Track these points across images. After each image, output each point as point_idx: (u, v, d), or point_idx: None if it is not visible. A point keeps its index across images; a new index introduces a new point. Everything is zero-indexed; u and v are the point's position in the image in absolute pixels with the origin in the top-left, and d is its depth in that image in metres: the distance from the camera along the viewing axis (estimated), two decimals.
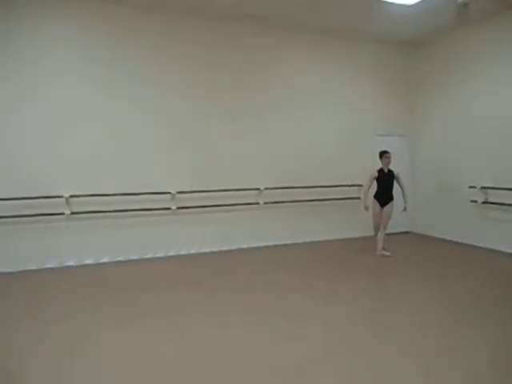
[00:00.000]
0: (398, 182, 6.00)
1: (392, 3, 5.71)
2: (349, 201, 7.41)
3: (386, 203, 5.91)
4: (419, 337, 3.23)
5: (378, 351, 3.00)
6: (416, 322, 3.55)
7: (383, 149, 6.12)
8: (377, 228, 6.13)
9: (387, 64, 7.78)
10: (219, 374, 2.71)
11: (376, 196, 6.00)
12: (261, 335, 3.32)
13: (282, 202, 6.91)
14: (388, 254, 5.97)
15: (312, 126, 7.21)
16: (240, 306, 4.00)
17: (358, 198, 7.33)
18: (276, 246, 6.89)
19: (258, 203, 6.74)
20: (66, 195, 5.56)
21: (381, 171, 5.94)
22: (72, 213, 5.61)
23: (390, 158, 5.90)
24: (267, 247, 6.77)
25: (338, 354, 2.99)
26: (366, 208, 5.96)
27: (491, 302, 4.03)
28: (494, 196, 6.40)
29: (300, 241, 7.13)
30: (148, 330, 3.44)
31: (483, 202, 6.52)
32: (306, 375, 2.69)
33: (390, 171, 5.97)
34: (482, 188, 6.52)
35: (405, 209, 6.02)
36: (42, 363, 2.89)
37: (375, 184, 6.00)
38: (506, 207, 6.16)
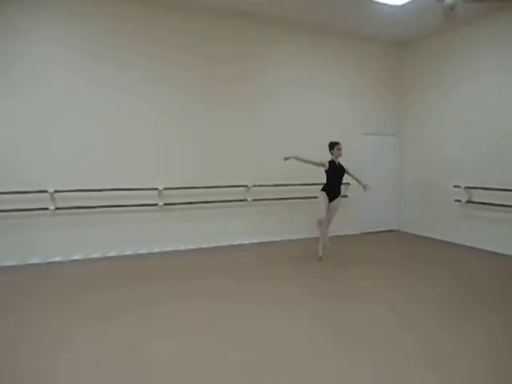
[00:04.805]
0: (348, 173, 5.74)
1: (381, 3, 5.74)
2: None
3: (334, 198, 5.63)
4: (417, 329, 3.29)
5: (376, 349, 3.05)
6: (413, 318, 3.61)
7: (334, 140, 5.72)
8: (321, 223, 5.64)
9: (376, 63, 7.82)
10: (213, 371, 2.72)
11: (325, 189, 5.64)
12: (255, 328, 3.35)
13: (271, 199, 6.92)
14: (320, 255, 5.69)
15: (299, 124, 7.20)
16: (227, 301, 4.00)
17: (346, 196, 7.39)
18: (265, 242, 6.91)
19: (245, 200, 6.74)
20: (51, 190, 5.49)
21: (332, 162, 5.60)
22: (57, 208, 5.55)
23: (340, 149, 5.58)
24: (255, 244, 6.78)
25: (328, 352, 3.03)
26: (286, 158, 5.50)
27: (477, 300, 4.10)
28: (477, 196, 6.51)
29: (287, 238, 7.16)
30: (136, 326, 3.42)
31: (467, 202, 6.63)
32: (303, 372, 2.71)
33: (340, 164, 5.66)
34: (466, 188, 6.63)
35: (366, 187, 5.81)
36: (27, 362, 2.86)
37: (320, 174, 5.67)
38: (488, 206, 6.28)
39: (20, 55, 5.35)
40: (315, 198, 6.98)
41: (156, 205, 6.12)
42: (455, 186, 6.81)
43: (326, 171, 5.60)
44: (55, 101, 5.55)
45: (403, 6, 5.81)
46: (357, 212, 7.73)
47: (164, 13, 6.07)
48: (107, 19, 5.78)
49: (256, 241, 6.91)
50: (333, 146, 5.61)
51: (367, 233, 7.82)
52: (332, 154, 5.61)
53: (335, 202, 5.64)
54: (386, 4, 5.76)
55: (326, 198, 5.59)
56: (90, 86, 5.74)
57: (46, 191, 5.46)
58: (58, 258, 5.62)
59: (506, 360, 2.86)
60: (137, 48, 5.98)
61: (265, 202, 6.91)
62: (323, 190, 5.66)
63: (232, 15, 6.35)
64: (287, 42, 7.04)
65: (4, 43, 5.27)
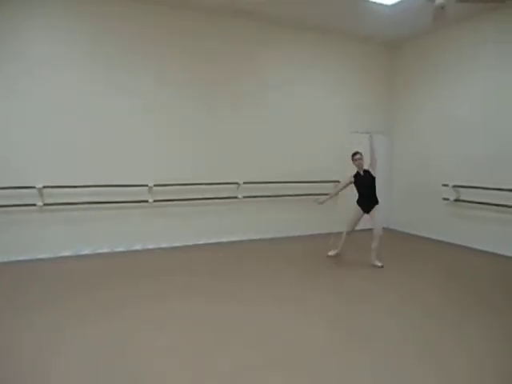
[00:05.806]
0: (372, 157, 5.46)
1: (371, 2, 5.74)
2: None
3: (371, 208, 5.37)
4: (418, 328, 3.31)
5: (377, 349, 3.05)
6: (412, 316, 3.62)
7: (355, 150, 5.59)
8: (349, 232, 5.66)
9: (368, 62, 7.86)
10: (209, 370, 2.68)
11: (358, 202, 5.49)
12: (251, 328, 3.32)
13: (261, 196, 6.90)
14: (380, 264, 5.37)
15: (297, 123, 7.23)
16: (225, 300, 3.98)
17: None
18: (263, 239, 6.94)
19: (236, 197, 6.70)
20: (39, 186, 5.34)
21: (357, 175, 5.43)
22: (45, 204, 5.40)
23: (359, 159, 5.33)
24: (245, 241, 6.78)
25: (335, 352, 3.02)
26: (319, 201, 5.49)
27: (474, 299, 4.15)
28: (465, 194, 6.61)
29: (286, 235, 7.20)
30: (135, 325, 3.38)
31: (455, 200, 6.73)
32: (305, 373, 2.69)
33: (366, 172, 5.40)
34: (455, 186, 6.72)
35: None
36: (23, 362, 2.79)
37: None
38: (475, 205, 6.40)
39: (19, 55, 5.22)
40: (316, 195, 7.03)
41: (146, 201, 6.05)
42: (444, 185, 6.90)
43: (354, 184, 5.44)
44: (54, 100, 5.45)
45: (394, 5, 5.84)
46: (347, 210, 7.75)
47: (165, 11, 5.99)
48: (108, 18, 5.69)
49: (255, 237, 6.96)
50: (351, 157, 5.44)
51: (357, 230, 7.85)
52: (355, 166, 5.44)
53: (374, 211, 5.38)
54: (380, 4, 5.78)
55: (360, 211, 5.45)
56: (90, 86, 5.65)
57: (33, 187, 5.34)
58: (43, 255, 5.51)
59: (506, 360, 2.91)
60: (137, 47, 5.91)
61: (264, 199, 6.94)
62: (357, 202, 5.50)
63: (231, 13, 6.29)
64: (282, 41, 7.02)
65: (1, 42, 5.13)
